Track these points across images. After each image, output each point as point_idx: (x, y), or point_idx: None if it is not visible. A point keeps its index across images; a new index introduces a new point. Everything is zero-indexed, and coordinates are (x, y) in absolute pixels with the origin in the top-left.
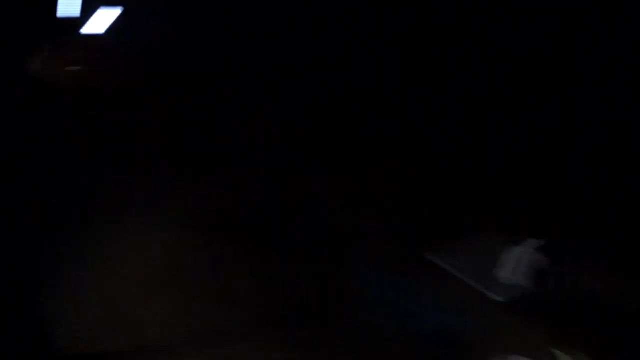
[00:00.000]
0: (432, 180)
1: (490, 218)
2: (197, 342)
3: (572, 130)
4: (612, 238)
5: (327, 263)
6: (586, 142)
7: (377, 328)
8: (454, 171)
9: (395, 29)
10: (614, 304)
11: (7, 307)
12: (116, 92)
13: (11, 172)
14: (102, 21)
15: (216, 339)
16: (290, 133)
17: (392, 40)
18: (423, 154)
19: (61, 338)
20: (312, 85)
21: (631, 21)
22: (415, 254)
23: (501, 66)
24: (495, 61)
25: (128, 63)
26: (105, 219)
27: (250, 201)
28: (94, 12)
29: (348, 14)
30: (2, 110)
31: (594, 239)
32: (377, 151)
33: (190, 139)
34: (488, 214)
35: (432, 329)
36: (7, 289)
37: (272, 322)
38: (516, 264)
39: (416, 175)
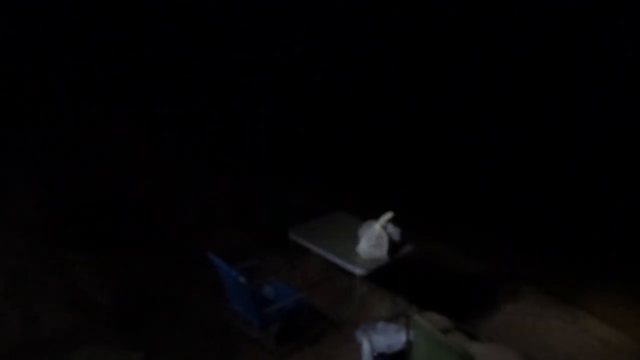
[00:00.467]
0: (288, 167)
1: (346, 200)
2: (40, 347)
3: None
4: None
5: (173, 255)
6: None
7: (227, 317)
8: (309, 158)
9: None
10: (458, 268)
11: None
12: None
13: None
14: None
15: (60, 343)
16: (122, 132)
17: None
18: (272, 140)
19: None
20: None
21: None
22: (280, 237)
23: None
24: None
25: None
26: None
27: (86, 201)
28: None
29: None
30: None
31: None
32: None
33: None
34: (344, 196)
35: (292, 308)
36: None
37: (116, 321)
38: (373, 239)
39: (270, 163)
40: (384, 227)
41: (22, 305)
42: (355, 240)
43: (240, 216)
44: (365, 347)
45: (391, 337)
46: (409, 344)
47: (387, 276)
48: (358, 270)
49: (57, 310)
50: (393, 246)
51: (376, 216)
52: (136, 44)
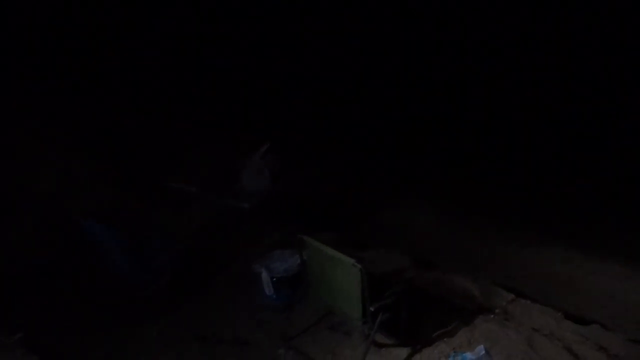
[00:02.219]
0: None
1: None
2: None
3: None
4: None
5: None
6: None
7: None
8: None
9: None
10: (339, 185)
11: None
12: None
13: None
14: None
15: None
16: None
17: None
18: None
19: None
20: None
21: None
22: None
23: None
24: None
25: None
26: None
27: None
28: None
29: None
30: None
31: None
32: None
33: None
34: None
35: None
36: None
37: None
38: (256, 171)
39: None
40: (263, 158)
41: None
42: (235, 176)
43: (108, 173)
44: (264, 275)
45: (287, 262)
46: (303, 264)
47: (274, 205)
48: (244, 204)
49: None
50: (275, 175)
51: (254, 148)
52: None
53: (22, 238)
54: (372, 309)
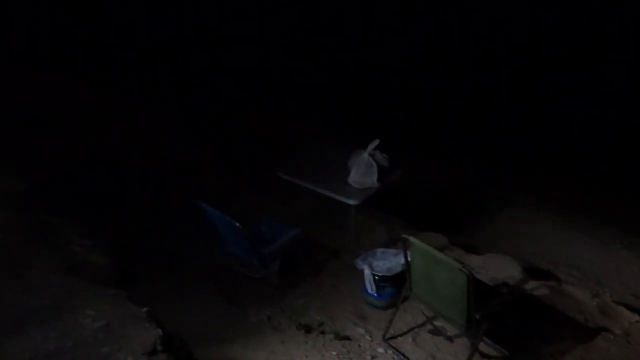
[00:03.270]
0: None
1: (329, 130)
2: (43, 313)
3: None
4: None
5: (159, 208)
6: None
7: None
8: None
9: None
10: (449, 186)
11: None
12: None
13: None
14: None
15: (62, 307)
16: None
17: None
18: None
19: None
20: None
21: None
22: (267, 176)
23: None
24: None
25: None
26: None
27: None
28: None
29: None
30: None
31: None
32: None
33: None
34: (325, 127)
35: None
36: None
37: (114, 279)
38: (364, 167)
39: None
40: (372, 155)
41: (18, 276)
42: (344, 171)
43: (222, 160)
44: (367, 272)
45: (390, 261)
46: (407, 265)
47: (380, 203)
48: (351, 201)
49: (54, 275)
50: (382, 173)
51: (363, 145)
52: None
53: (144, 220)
54: (477, 316)
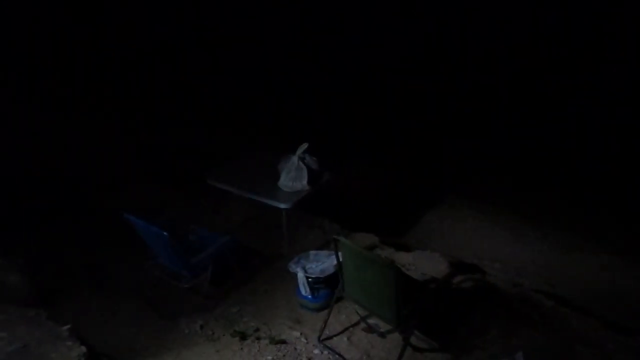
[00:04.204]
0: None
1: (257, 140)
2: None
3: None
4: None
5: (86, 222)
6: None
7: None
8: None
9: None
10: (379, 188)
11: None
12: None
13: None
14: None
15: None
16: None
17: None
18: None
19: None
20: None
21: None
22: (198, 185)
23: None
24: None
25: None
26: None
27: None
28: None
29: None
30: None
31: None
32: None
33: None
34: (254, 138)
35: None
36: None
37: (35, 299)
38: (294, 171)
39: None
40: (301, 158)
41: None
42: (274, 175)
43: (154, 170)
44: (300, 275)
45: (323, 263)
46: (339, 265)
47: (311, 205)
48: (282, 205)
49: None
50: (312, 176)
51: (292, 150)
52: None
53: (71, 232)
54: (407, 311)
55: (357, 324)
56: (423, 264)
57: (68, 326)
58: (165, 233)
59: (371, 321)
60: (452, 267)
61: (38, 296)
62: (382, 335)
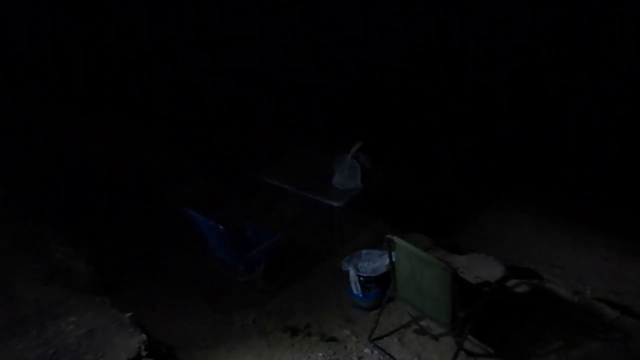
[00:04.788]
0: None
1: (312, 137)
2: (25, 322)
3: None
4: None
5: (144, 216)
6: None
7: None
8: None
9: None
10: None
11: None
12: None
13: None
14: None
15: (45, 315)
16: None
17: None
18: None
19: None
20: None
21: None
22: (253, 181)
23: None
24: None
25: None
26: None
27: None
28: None
29: None
30: None
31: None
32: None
33: None
34: (310, 134)
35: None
36: None
37: (99, 287)
38: (347, 170)
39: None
40: (355, 157)
41: (1, 286)
42: (328, 173)
43: (208, 167)
44: (352, 274)
45: (375, 262)
46: (392, 265)
47: (365, 204)
48: (335, 203)
49: (37, 284)
50: (366, 174)
51: (346, 148)
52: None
53: (129, 228)
54: (462, 315)
55: (408, 325)
56: (477, 267)
57: (130, 314)
58: (222, 227)
59: (423, 323)
60: (508, 272)
61: (103, 285)
62: (435, 338)
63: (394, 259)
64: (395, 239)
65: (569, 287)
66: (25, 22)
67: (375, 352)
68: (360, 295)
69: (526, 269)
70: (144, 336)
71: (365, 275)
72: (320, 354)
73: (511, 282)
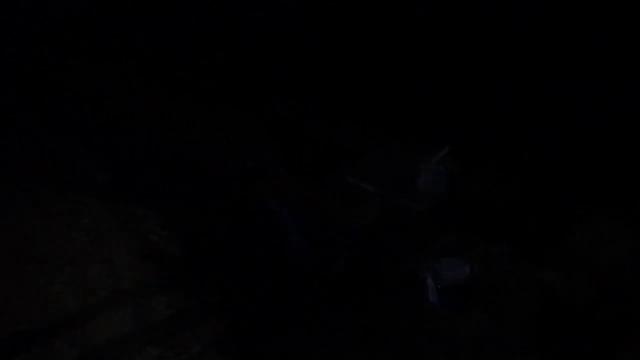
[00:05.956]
0: (331, 105)
1: (399, 134)
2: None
3: None
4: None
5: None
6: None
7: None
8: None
9: None
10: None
11: None
12: None
13: None
14: None
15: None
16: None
17: None
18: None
19: None
20: None
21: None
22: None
23: None
24: None
25: None
26: None
27: None
28: None
29: None
30: None
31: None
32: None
33: None
34: (396, 131)
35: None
36: None
37: (189, 270)
38: (433, 173)
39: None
40: (442, 161)
41: (102, 260)
42: (412, 175)
43: (287, 161)
44: (430, 281)
45: (456, 271)
46: (474, 276)
47: (448, 210)
48: (418, 207)
49: (134, 262)
50: (452, 179)
51: (432, 150)
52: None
53: (213, 218)
54: None
55: None
56: (566, 285)
57: (215, 298)
58: (303, 221)
59: None
60: (600, 295)
61: (191, 268)
62: None
63: (476, 270)
64: (480, 248)
65: None
66: None
67: None
68: (437, 304)
69: (619, 291)
70: (227, 318)
71: (443, 283)
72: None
73: (603, 306)
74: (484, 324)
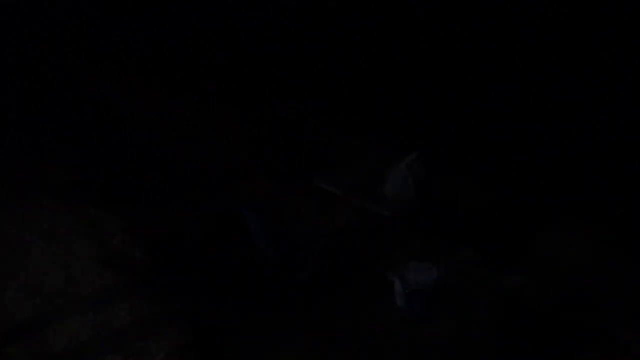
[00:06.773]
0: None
1: (366, 140)
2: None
3: None
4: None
5: (198, 209)
6: None
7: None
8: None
9: None
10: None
11: None
12: None
13: None
14: None
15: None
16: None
17: None
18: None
19: None
20: None
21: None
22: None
23: None
24: None
25: None
26: None
27: None
28: None
29: None
30: None
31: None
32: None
33: None
34: (364, 136)
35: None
36: None
37: (152, 273)
38: (400, 178)
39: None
40: (409, 166)
41: (60, 266)
42: (381, 181)
43: (260, 164)
44: (397, 285)
45: (422, 275)
46: (441, 280)
47: (415, 215)
48: (385, 211)
49: (95, 267)
50: (419, 185)
51: (400, 156)
52: None
53: (180, 220)
54: None
55: None
56: (530, 291)
57: (178, 305)
58: (274, 225)
59: None
60: (563, 304)
61: (155, 273)
62: None
63: (442, 274)
64: (446, 253)
65: (627, 327)
66: None
67: None
68: (405, 308)
69: (583, 302)
70: (194, 326)
71: (411, 287)
72: None
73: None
74: (448, 329)
